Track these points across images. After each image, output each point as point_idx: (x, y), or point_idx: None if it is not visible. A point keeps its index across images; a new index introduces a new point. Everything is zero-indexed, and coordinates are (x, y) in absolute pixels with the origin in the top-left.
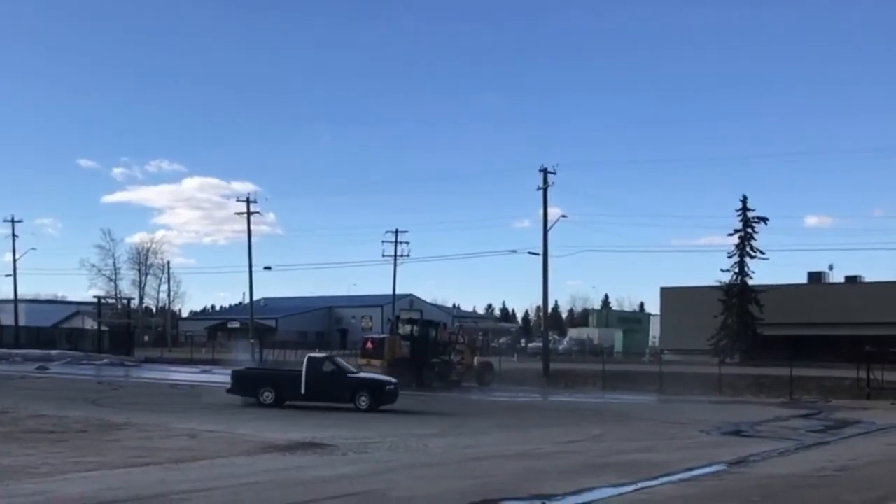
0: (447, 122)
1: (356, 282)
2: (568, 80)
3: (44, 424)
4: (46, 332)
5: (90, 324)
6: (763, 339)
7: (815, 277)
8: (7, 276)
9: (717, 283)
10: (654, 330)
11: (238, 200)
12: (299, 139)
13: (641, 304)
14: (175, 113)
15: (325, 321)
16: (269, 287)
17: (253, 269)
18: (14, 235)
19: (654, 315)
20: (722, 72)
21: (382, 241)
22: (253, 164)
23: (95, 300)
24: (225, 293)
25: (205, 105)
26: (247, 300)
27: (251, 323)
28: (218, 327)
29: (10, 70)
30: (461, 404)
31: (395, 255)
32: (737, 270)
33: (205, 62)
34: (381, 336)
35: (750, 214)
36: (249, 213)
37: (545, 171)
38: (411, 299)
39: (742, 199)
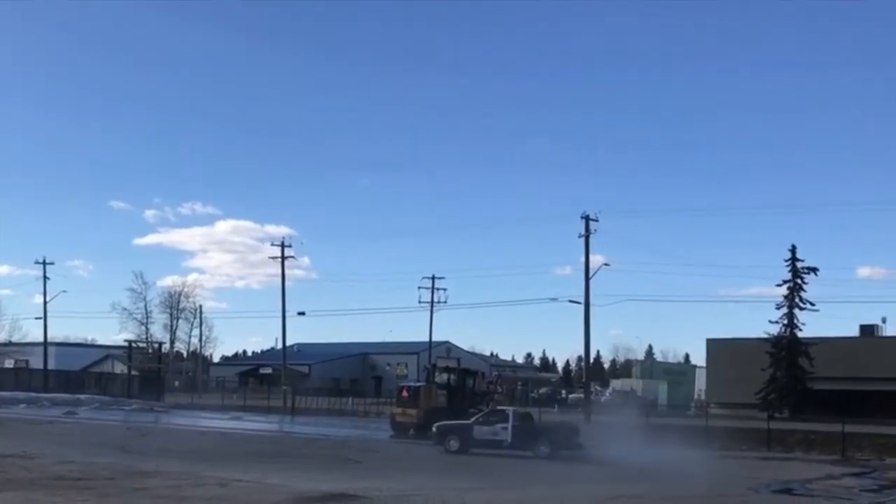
0: (487, 168)
1: (391, 328)
2: (612, 129)
3: (71, 471)
4: (75, 376)
5: (120, 368)
6: (813, 393)
7: (867, 330)
8: (37, 318)
9: (766, 335)
10: (700, 382)
11: (272, 244)
12: (336, 183)
13: (686, 356)
14: (209, 155)
15: (360, 368)
16: (303, 332)
17: (286, 313)
18: (45, 277)
19: (699, 367)
20: (770, 121)
21: (419, 287)
22: (288, 207)
23: (126, 344)
24: (257, 338)
25: (240, 147)
26: (279, 345)
27: (284, 369)
28: (250, 373)
29: (43, 109)
30: (498, 456)
31: (432, 302)
32: (786, 322)
33: (241, 104)
34: (417, 384)
35: (799, 265)
36: (284, 258)
37: (587, 219)
38: (448, 347)
39: (791, 248)
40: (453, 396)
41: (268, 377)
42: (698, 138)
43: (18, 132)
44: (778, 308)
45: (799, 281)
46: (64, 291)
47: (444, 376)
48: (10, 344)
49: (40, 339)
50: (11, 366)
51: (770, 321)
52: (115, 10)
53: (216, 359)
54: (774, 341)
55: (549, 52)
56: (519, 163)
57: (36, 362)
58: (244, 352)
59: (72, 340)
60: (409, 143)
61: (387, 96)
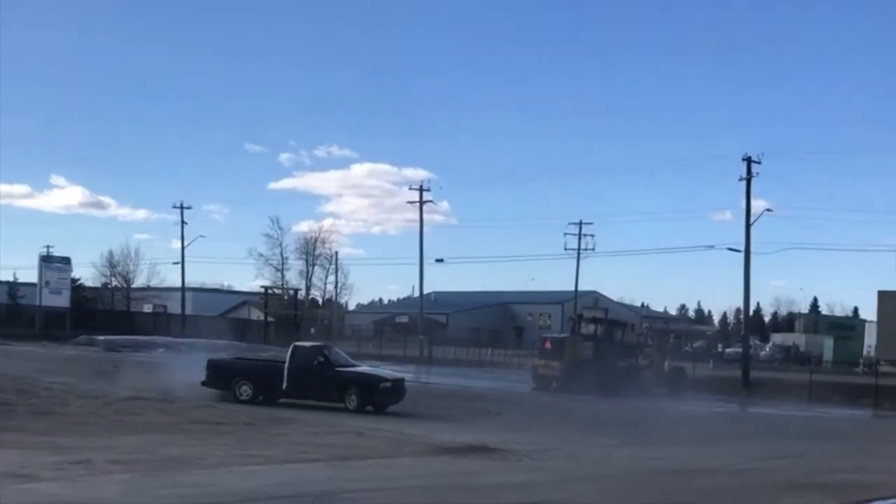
0: (639, 105)
1: (534, 276)
2: (779, 64)
3: (209, 416)
4: (212, 322)
5: (256, 314)
6: None
7: None
8: (175, 263)
9: None
10: (870, 338)
11: (410, 189)
12: (477, 124)
13: (855, 309)
14: (345, 96)
15: (500, 318)
16: (441, 280)
17: (424, 261)
18: (183, 222)
19: (869, 321)
20: None
21: (565, 234)
22: (427, 150)
23: (262, 290)
24: (394, 286)
25: (377, 88)
26: (416, 294)
27: (420, 318)
28: (385, 321)
29: (178, 55)
30: (649, 412)
31: (579, 249)
32: None
33: (375, 44)
34: (562, 336)
35: None
36: (422, 202)
37: (749, 160)
38: (595, 297)
39: None
40: (600, 349)
41: (404, 326)
42: (872, 77)
43: (156, 78)
44: None
45: None
46: (201, 236)
47: (591, 328)
48: (148, 289)
49: (178, 284)
50: (150, 310)
51: None
52: None
53: (352, 306)
54: None
55: None
56: (674, 99)
57: (173, 307)
58: (380, 300)
59: (208, 286)
60: (554, 79)
61: (528, 30)
